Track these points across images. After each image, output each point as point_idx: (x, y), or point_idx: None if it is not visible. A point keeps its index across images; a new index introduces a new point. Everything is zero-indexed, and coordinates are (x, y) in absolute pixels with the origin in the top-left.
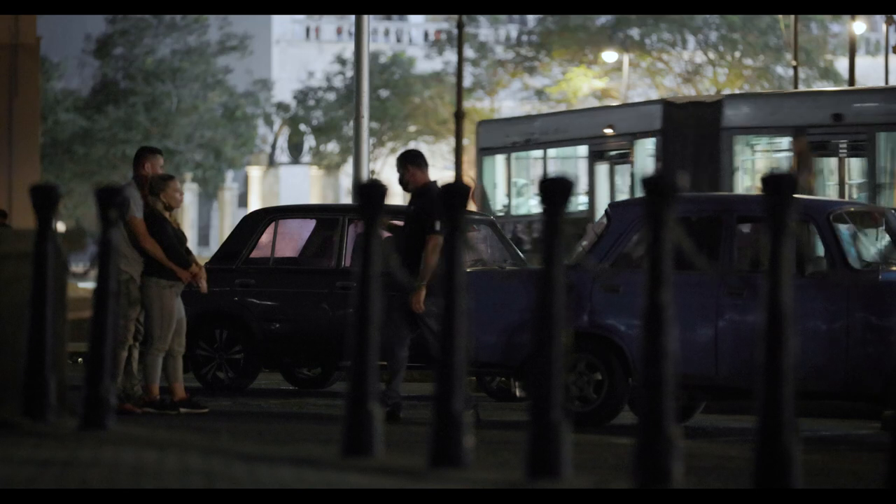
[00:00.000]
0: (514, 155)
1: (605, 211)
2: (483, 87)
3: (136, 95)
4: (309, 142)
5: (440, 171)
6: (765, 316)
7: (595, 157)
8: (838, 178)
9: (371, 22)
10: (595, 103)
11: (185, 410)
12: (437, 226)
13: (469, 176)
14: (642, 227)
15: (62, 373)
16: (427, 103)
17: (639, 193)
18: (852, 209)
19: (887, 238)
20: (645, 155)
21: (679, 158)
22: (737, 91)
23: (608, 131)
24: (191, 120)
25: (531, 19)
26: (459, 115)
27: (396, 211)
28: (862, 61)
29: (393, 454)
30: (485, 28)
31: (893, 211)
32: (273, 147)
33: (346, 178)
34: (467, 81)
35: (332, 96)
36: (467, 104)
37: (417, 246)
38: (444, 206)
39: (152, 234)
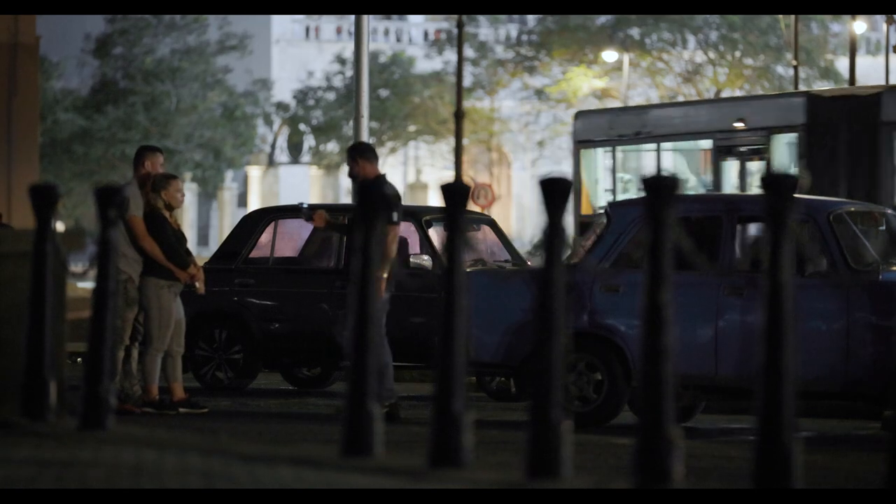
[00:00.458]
0: (620, 148)
1: (605, 210)
2: (483, 86)
3: (136, 95)
4: (308, 141)
5: (440, 171)
6: (765, 316)
7: (721, 152)
8: None
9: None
10: (595, 103)
11: (184, 410)
12: (395, 217)
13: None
14: (642, 226)
15: (61, 373)
16: (427, 103)
17: None
18: (852, 209)
19: (887, 238)
20: (783, 152)
21: (826, 156)
22: (737, 91)
23: (738, 125)
24: (190, 120)
25: (531, 19)
26: (459, 115)
27: (339, 209)
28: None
29: (392, 454)
30: (485, 28)
31: (894, 211)
32: (273, 147)
33: (345, 178)
34: (467, 81)
35: (331, 96)
36: (467, 104)
37: None
38: (445, 206)
39: (151, 234)
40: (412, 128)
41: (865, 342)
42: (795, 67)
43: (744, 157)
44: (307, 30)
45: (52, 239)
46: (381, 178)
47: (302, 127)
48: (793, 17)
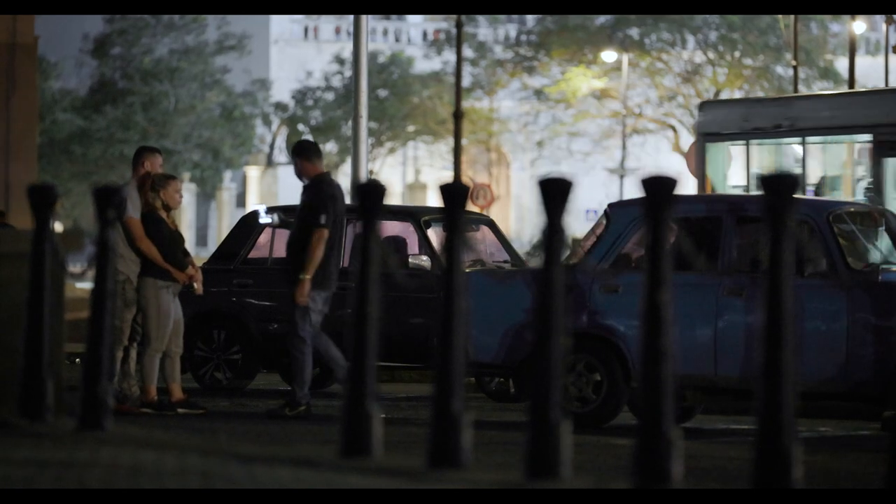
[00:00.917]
0: (756, 142)
1: (605, 211)
2: (482, 86)
3: (134, 95)
4: None
5: (439, 172)
6: (764, 316)
7: (884, 148)
8: None
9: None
10: (595, 103)
11: (182, 411)
12: (322, 219)
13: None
14: (641, 227)
15: (60, 373)
16: (426, 103)
17: None
18: (852, 209)
19: (887, 238)
20: None
21: None
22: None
23: None
24: (189, 120)
25: (530, 19)
26: (458, 115)
27: (289, 208)
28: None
29: (391, 454)
30: (484, 28)
31: None
32: (271, 147)
33: (344, 178)
34: (466, 81)
35: (330, 96)
36: (466, 104)
37: (304, 238)
38: (444, 207)
39: (149, 235)
40: (411, 128)
41: (865, 343)
42: (795, 68)
43: None
44: (306, 30)
45: (50, 239)
46: (321, 177)
47: (301, 127)
48: (792, 17)
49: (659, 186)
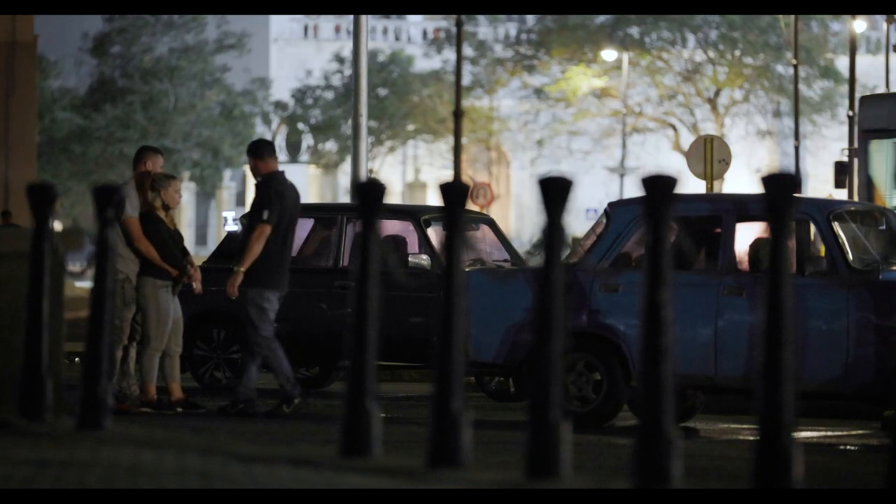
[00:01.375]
0: None
1: (605, 210)
2: (482, 85)
3: (134, 94)
4: (307, 141)
5: (439, 171)
6: (765, 316)
7: None
8: None
9: (369, 20)
10: (595, 102)
11: (182, 410)
12: (265, 215)
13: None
14: (641, 226)
15: (59, 373)
16: (426, 102)
17: None
18: (852, 208)
19: (888, 237)
20: None
21: None
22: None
23: None
24: (188, 118)
25: (530, 18)
26: (458, 114)
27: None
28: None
29: (391, 454)
30: (484, 26)
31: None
32: None
33: (344, 177)
34: (466, 80)
35: (330, 95)
36: (466, 103)
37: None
38: (444, 206)
39: (147, 235)
40: (411, 127)
41: (866, 342)
42: (795, 66)
43: None
44: (305, 29)
45: (49, 238)
46: (272, 175)
47: (300, 126)
48: (792, 16)
49: (659, 185)
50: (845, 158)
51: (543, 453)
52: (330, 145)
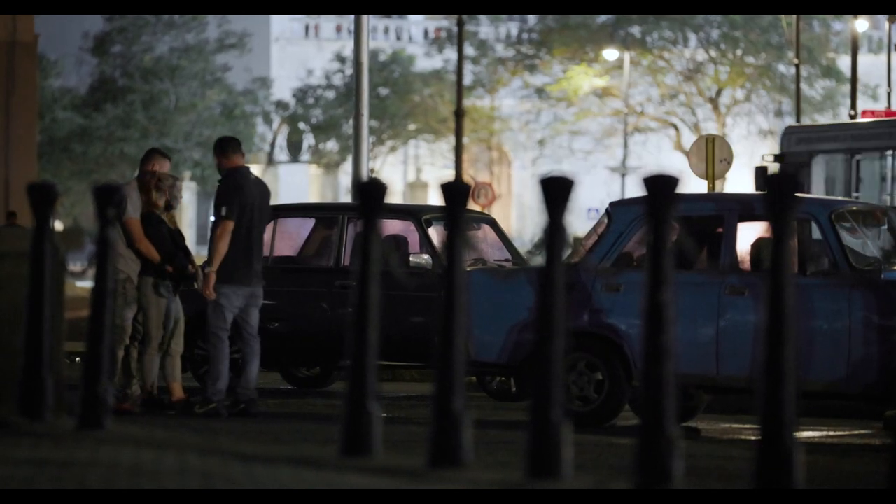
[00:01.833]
0: None
1: (606, 210)
2: (483, 85)
3: (135, 93)
4: (308, 140)
5: (440, 170)
6: (766, 315)
7: None
8: None
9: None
10: (596, 101)
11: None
12: (223, 211)
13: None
14: (643, 226)
15: (59, 372)
16: (427, 101)
17: None
18: (854, 208)
19: (890, 237)
20: None
21: None
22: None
23: None
24: (189, 118)
25: (532, 17)
26: (459, 114)
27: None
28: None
29: (392, 454)
30: (485, 26)
31: None
32: (272, 145)
33: (345, 177)
34: (467, 79)
35: (331, 94)
36: (467, 102)
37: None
38: (445, 205)
39: (148, 235)
40: (412, 126)
41: (867, 342)
42: (797, 66)
43: None
44: (307, 28)
45: (50, 238)
46: (233, 171)
47: (301, 125)
48: (794, 15)
49: (661, 185)
50: (765, 163)
51: (544, 453)
52: (331, 145)
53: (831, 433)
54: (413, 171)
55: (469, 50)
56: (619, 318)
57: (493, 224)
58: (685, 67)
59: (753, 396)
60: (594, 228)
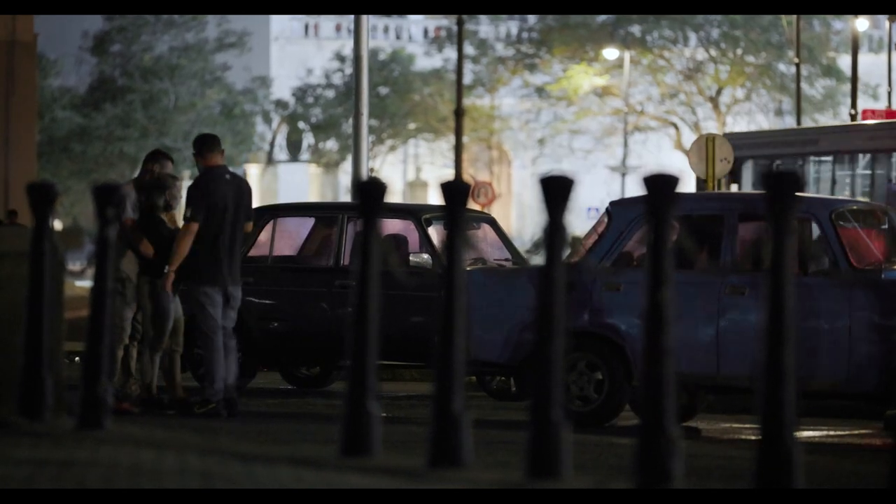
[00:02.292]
0: None
1: (606, 209)
2: (483, 84)
3: (134, 93)
4: (308, 139)
5: (440, 169)
6: (766, 315)
7: None
8: None
9: (370, 19)
10: (596, 101)
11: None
12: (188, 212)
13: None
14: (643, 225)
15: (59, 372)
16: (427, 100)
17: None
18: (855, 207)
19: (890, 237)
20: None
21: None
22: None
23: None
24: (189, 117)
25: (532, 16)
26: (459, 113)
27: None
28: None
29: (392, 454)
30: (485, 25)
31: None
32: (271, 145)
33: (345, 176)
34: (467, 79)
35: (330, 94)
36: (467, 101)
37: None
38: (445, 205)
39: (147, 235)
40: (412, 125)
41: (868, 341)
42: (797, 65)
43: None
44: (306, 27)
45: (49, 237)
46: (207, 170)
47: (301, 125)
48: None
49: (661, 184)
50: None
51: (544, 453)
52: (331, 144)
53: (831, 433)
54: (413, 170)
55: (469, 49)
56: (619, 317)
57: (493, 223)
58: (685, 66)
59: (754, 396)
60: (594, 228)
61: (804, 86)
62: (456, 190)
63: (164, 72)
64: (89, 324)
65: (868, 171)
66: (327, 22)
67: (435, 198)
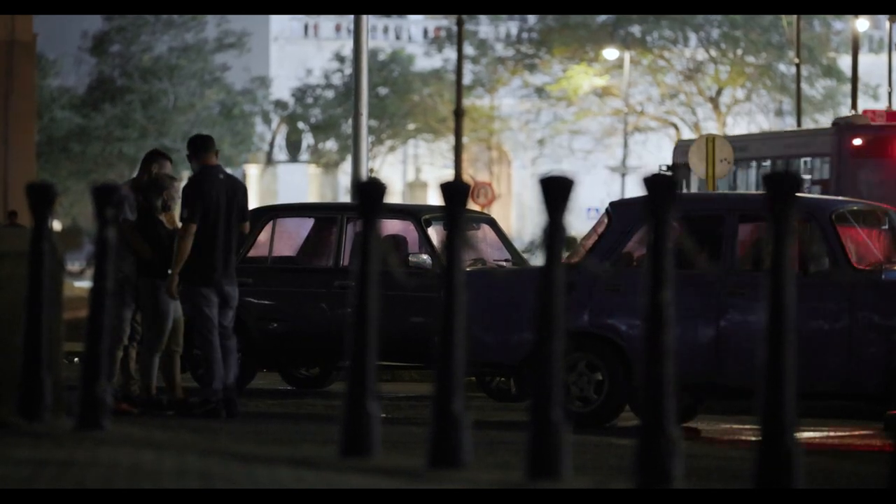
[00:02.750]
0: None
1: (606, 210)
2: (483, 84)
3: (133, 93)
4: (307, 140)
5: (440, 170)
6: (766, 316)
7: None
8: None
9: (370, 19)
10: (596, 101)
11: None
12: (184, 213)
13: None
14: (643, 226)
15: (58, 373)
16: (426, 101)
17: None
18: (855, 208)
19: (890, 237)
20: None
21: None
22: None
23: None
24: (188, 118)
25: (531, 16)
26: (459, 113)
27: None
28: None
29: (392, 454)
30: (485, 25)
31: None
32: (271, 145)
33: (344, 177)
34: (467, 79)
35: (330, 94)
36: (467, 102)
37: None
38: (444, 205)
39: (145, 236)
40: (412, 126)
41: (868, 342)
42: (797, 65)
43: None
44: (306, 27)
45: (48, 238)
46: (201, 170)
47: (300, 125)
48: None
49: (661, 185)
50: (662, 173)
51: (544, 453)
52: (330, 144)
53: (831, 433)
54: (412, 170)
55: (469, 49)
56: (619, 318)
57: (493, 224)
58: (685, 67)
59: (754, 397)
60: (594, 228)
61: (804, 86)
62: (455, 190)
63: (164, 72)
64: (88, 324)
65: None
66: (327, 22)
67: (434, 198)
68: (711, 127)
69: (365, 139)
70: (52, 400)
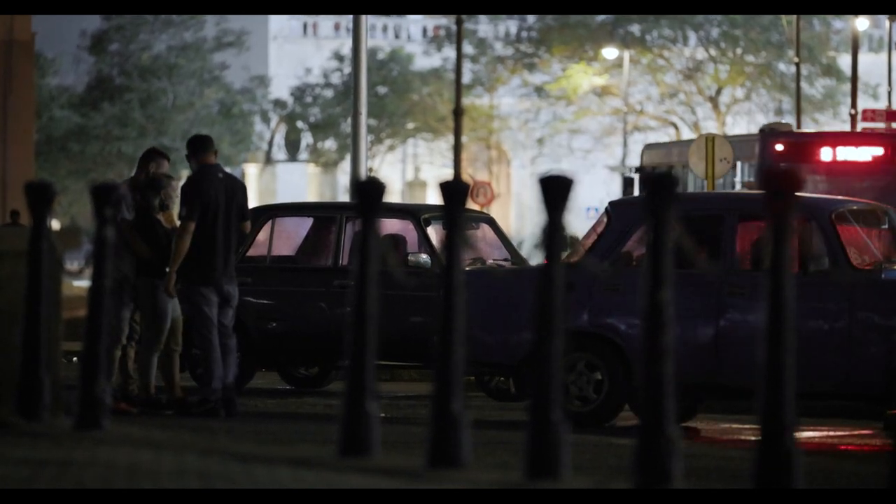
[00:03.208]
0: None
1: (606, 209)
2: (482, 83)
3: (132, 92)
4: (306, 139)
5: (439, 169)
6: (766, 315)
7: None
8: None
9: (369, 18)
10: (595, 100)
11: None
12: (183, 212)
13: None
14: (643, 225)
15: (57, 372)
16: (425, 100)
17: None
18: (854, 208)
19: (890, 237)
20: None
21: None
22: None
23: None
24: (187, 117)
25: (531, 16)
26: (458, 112)
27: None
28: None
29: (391, 454)
30: (484, 24)
31: None
32: (270, 144)
33: (343, 176)
34: (466, 78)
35: (329, 93)
36: (466, 101)
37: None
38: (444, 204)
39: (143, 235)
40: (411, 125)
41: (868, 341)
42: (797, 65)
43: None
44: (305, 26)
45: (47, 237)
46: (199, 169)
47: (299, 124)
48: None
49: (660, 184)
50: (632, 175)
51: (544, 453)
52: (329, 144)
53: (831, 433)
54: (412, 170)
55: (468, 48)
56: (619, 317)
57: (492, 223)
58: (685, 66)
59: (754, 397)
60: (594, 228)
61: (804, 85)
62: (455, 190)
63: (163, 71)
64: (87, 324)
65: None
66: (326, 21)
67: (434, 197)
68: (711, 126)
69: (364, 138)
70: (50, 399)
